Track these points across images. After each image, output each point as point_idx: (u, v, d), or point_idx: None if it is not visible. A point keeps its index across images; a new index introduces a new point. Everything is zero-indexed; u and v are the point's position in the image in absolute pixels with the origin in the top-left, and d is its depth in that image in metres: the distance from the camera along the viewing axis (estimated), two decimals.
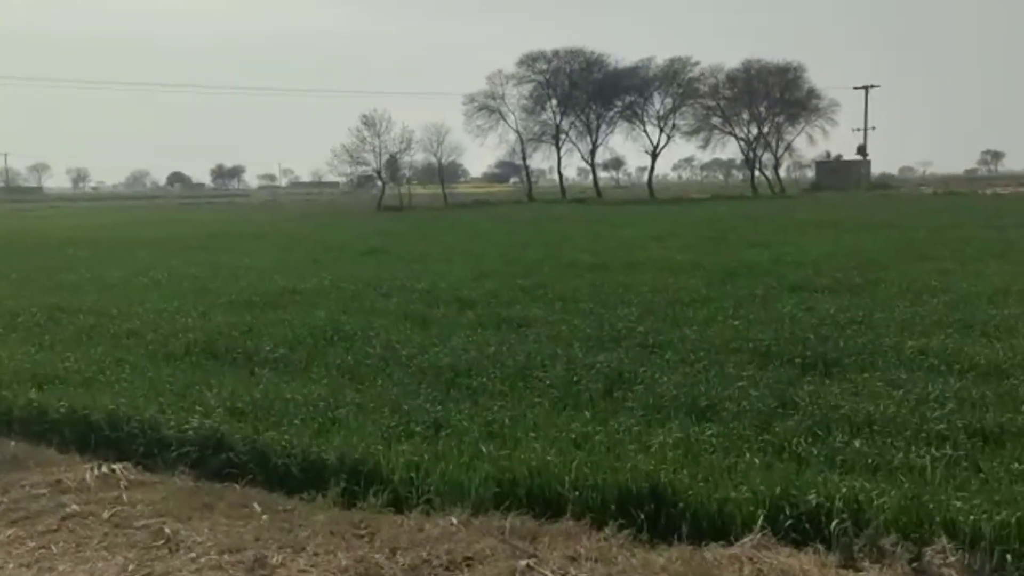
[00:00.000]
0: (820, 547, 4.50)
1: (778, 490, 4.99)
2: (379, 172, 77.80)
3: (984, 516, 4.51)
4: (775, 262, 18.56)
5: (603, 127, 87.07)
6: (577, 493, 5.34)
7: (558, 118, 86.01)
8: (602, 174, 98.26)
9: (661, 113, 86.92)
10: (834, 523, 4.61)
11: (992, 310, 11.77)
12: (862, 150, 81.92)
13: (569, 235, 30.19)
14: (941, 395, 7.35)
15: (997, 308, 11.92)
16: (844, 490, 4.84)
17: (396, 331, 11.37)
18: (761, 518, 4.73)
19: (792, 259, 18.99)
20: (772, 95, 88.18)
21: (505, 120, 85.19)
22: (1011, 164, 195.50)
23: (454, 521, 5.13)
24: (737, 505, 4.95)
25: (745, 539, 4.59)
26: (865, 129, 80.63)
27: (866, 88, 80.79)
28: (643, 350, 9.91)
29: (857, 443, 6.04)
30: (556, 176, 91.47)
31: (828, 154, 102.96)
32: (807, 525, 4.72)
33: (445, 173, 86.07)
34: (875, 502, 4.73)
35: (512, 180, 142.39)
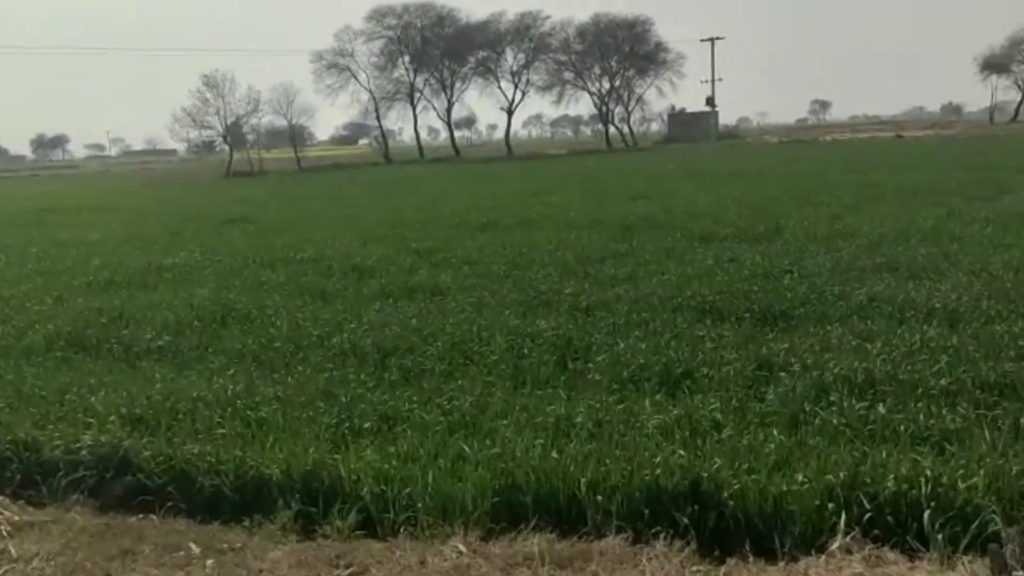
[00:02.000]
0: (935, 554, 3.76)
1: (842, 476, 4.25)
2: (225, 136, 73.64)
3: None
4: (668, 214, 18.16)
5: (458, 84, 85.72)
6: (599, 498, 4.43)
7: (412, 75, 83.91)
8: (455, 133, 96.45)
9: (514, 69, 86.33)
10: (926, 514, 3.91)
11: (907, 252, 11.63)
12: (711, 101, 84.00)
13: (443, 194, 29.04)
14: (925, 346, 6.89)
15: (910, 250, 11.79)
16: (928, 472, 4.15)
17: (297, 308, 10.09)
18: (843, 516, 3.97)
19: (683, 210, 18.64)
20: (622, 49, 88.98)
21: (356, 79, 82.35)
22: (836, 113, 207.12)
23: (461, 548, 4.12)
24: (798, 499, 4.18)
25: (833, 546, 3.82)
26: (713, 81, 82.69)
27: (712, 40, 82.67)
28: (581, 314, 9.10)
29: (881, 408, 5.41)
30: (406, 137, 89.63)
31: (673, 107, 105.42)
32: (890, 518, 4.01)
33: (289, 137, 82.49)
34: (962, 484, 4.07)
35: (361, 141, 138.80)
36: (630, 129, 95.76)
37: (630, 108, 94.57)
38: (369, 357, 7.77)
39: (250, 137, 79.69)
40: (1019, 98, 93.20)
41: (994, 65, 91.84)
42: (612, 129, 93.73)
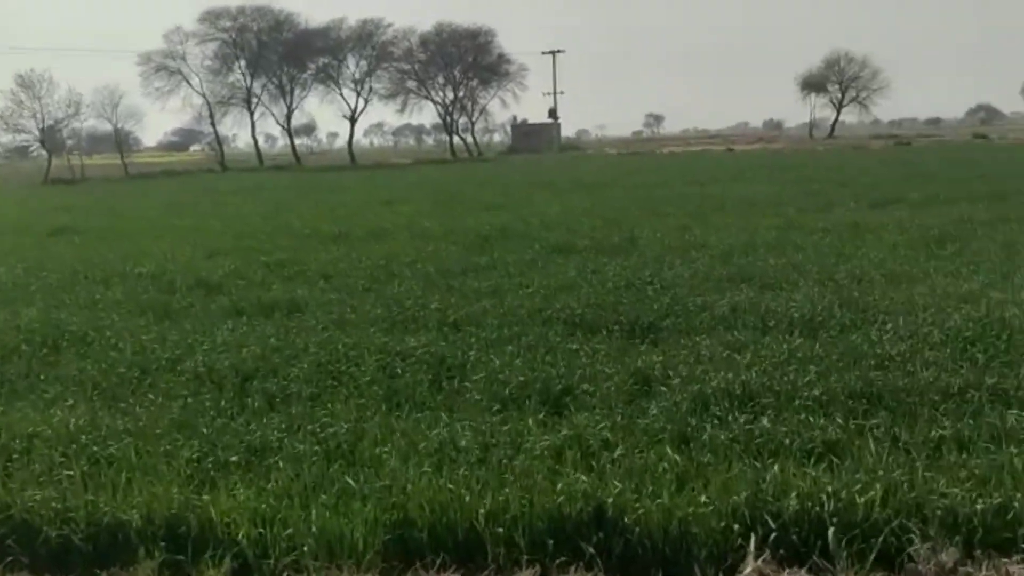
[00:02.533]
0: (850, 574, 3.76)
1: (744, 496, 4.21)
2: (42, 141, 68.52)
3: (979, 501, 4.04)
4: (523, 224, 18.22)
5: (298, 90, 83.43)
6: (500, 530, 4.20)
7: (248, 80, 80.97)
8: (295, 140, 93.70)
9: (357, 76, 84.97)
10: (831, 531, 3.91)
11: (757, 262, 12.07)
12: (553, 113, 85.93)
13: (288, 203, 28.07)
14: (792, 356, 7.07)
15: (760, 260, 12.24)
16: (829, 488, 4.16)
17: (140, 328, 9.31)
18: (752, 539, 3.91)
19: (538, 221, 18.75)
20: (465, 59, 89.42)
21: (188, 82, 78.72)
22: (669, 127, 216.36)
23: None
24: (702, 521, 4.10)
25: (746, 570, 3.75)
26: (555, 93, 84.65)
27: (553, 53, 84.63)
28: (450, 329, 8.85)
29: (765, 421, 5.47)
30: (242, 143, 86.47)
31: (515, 118, 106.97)
32: (794, 537, 3.99)
33: (115, 142, 77.76)
34: (860, 499, 4.11)
35: (193, 148, 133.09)
36: (474, 139, 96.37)
37: (474, 119, 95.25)
38: (227, 381, 7.22)
39: (70, 142, 74.67)
40: (834, 115, 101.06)
41: (812, 84, 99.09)
42: (456, 139, 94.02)
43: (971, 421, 5.41)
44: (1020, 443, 4.94)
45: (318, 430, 5.86)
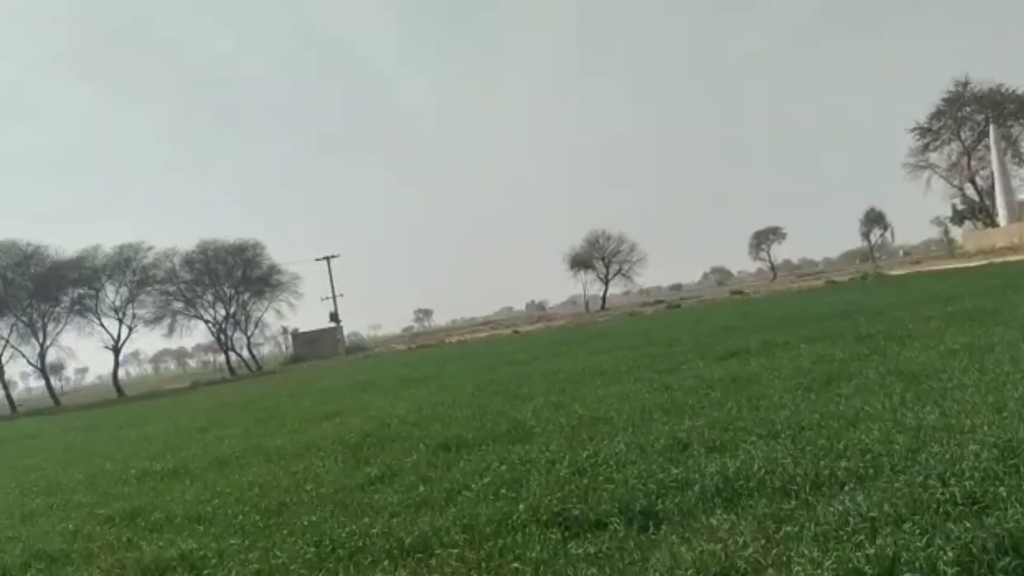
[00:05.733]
0: None
1: None
2: None
3: None
4: (385, 426, 16.60)
5: (51, 326, 76.66)
6: None
7: None
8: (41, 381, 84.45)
9: (117, 304, 79.86)
10: None
11: (685, 423, 11.34)
12: (335, 317, 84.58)
13: (85, 450, 24.42)
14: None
15: (685, 422, 11.53)
16: None
17: None
18: None
19: (397, 421, 17.22)
20: (234, 275, 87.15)
21: None
22: (438, 320, 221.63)
23: None
24: None
25: None
26: (334, 297, 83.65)
27: (328, 259, 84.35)
28: (416, 557, 7.26)
29: None
30: None
31: (286, 329, 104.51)
32: None
33: None
34: None
35: None
36: (251, 353, 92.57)
37: (250, 333, 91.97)
38: None
39: None
40: (603, 289, 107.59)
41: (580, 262, 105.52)
42: (233, 356, 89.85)
43: None
44: None
45: None
